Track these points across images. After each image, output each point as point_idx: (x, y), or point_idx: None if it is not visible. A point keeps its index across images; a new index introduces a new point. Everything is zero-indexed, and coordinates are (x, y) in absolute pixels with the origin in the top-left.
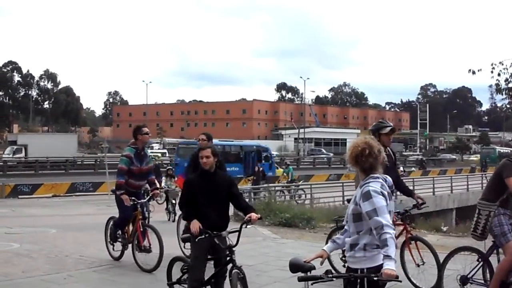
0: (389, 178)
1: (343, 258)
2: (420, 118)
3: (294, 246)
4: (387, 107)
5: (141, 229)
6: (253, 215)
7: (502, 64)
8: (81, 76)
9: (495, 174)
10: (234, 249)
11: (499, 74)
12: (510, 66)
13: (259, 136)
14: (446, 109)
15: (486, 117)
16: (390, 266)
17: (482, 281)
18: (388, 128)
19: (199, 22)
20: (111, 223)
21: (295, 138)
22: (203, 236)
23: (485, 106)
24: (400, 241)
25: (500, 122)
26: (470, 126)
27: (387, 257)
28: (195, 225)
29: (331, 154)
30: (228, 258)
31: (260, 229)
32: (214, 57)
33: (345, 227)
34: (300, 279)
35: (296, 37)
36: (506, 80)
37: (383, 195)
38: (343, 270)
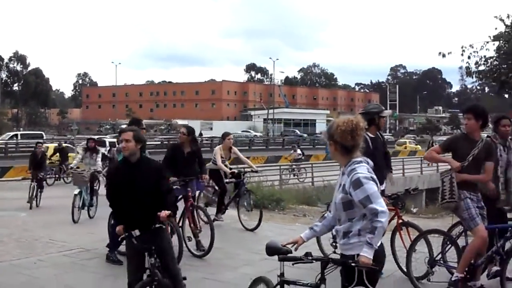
0: (370, 162)
1: (334, 244)
2: (389, 99)
3: (264, 228)
4: (357, 88)
5: None
6: (162, 214)
7: (472, 47)
8: (51, 58)
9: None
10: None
11: (469, 57)
12: (480, 49)
13: (228, 117)
14: (416, 90)
15: (456, 99)
16: (367, 254)
17: (450, 263)
18: (389, 112)
19: (168, 3)
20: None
21: (264, 119)
22: (123, 236)
23: (455, 88)
24: (391, 226)
25: (470, 103)
26: (440, 107)
27: (369, 244)
28: (119, 226)
29: (305, 135)
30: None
31: (228, 210)
32: (183, 38)
33: (325, 214)
34: (281, 259)
35: (265, 18)
36: (476, 63)
37: (373, 179)
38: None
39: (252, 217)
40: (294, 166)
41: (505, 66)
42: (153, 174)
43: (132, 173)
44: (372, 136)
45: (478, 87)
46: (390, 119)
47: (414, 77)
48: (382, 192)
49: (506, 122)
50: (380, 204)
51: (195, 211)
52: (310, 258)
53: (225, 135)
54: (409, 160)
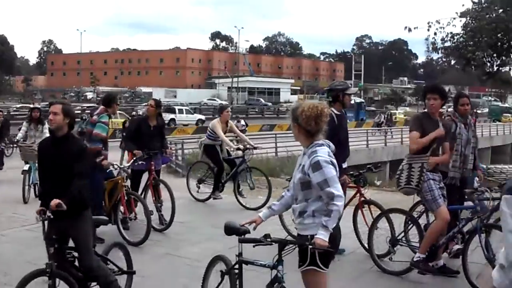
0: (332, 145)
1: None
2: (354, 69)
3: (226, 202)
4: (322, 57)
5: (126, 198)
6: (52, 203)
7: (439, 23)
8: (16, 25)
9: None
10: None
11: (435, 33)
12: (447, 25)
13: (193, 85)
14: (382, 61)
15: (421, 70)
16: (323, 237)
17: (413, 243)
18: (355, 89)
19: None
20: None
21: (229, 87)
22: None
23: (421, 59)
24: (353, 204)
25: (436, 75)
26: (405, 78)
27: (324, 227)
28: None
29: (270, 104)
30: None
31: (193, 183)
32: (149, 5)
33: (283, 193)
34: (241, 241)
35: None
36: (443, 39)
37: (332, 163)
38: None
39: (254, 195)
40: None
41: (472, 43)
42: (74, 154)
43: (54, 149)
44: (338, 113)
45: (444, 59)
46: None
47: (380, 47)
48: (345, 170)
49: (465, 100)
50: (337, 189)
51: (158, 185)
52: (269, 240)
53: (223, 107)
54: (373, 131)
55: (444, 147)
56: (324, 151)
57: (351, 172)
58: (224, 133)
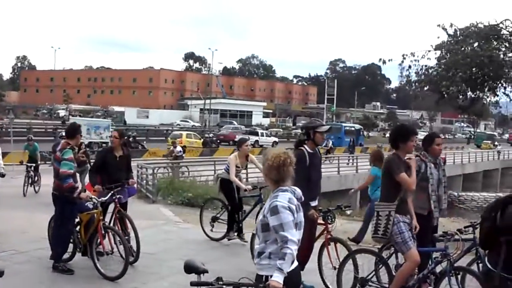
0: (298, 190)
1: None
2: (327, 93)
3: (196, 232)
4: (295, 81)
5: (103, 231)
6: None
7: (413, 55)
8: None
9: (384, 173)
10: None
11: (410, 67)
12: (421, 57)
13: (165, 106)
14: (355, 85)
15: (394, 95)
16: (278, 279)
17: (381, 284)
18: (326, 127)
19: None
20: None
21: (201, 109)
22: None
23: (394, 84)
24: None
25: (409, 100)
26: (378, 103)
27: (279, 269)
28: None
29: (243, 127)
30: None
31: (162, 210)
32: (123, 23)
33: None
34: (192, 284)
35: (205, 6)
36: (417, 72)
37: (290, 209)
38: None
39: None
40: (171, 164)
41: (446, 77)
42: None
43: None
44: (310, 151)
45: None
46: (327, 113)
47: (353, 71)
48: (315, 207)
49: (440, 140)
50: (292, 234)
51: (124, 218)
52: (221, 283)
53: (242, 141)
54: (344, 157)
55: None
56: (285, 197)
57: (320, 208)
58: (245, 168)
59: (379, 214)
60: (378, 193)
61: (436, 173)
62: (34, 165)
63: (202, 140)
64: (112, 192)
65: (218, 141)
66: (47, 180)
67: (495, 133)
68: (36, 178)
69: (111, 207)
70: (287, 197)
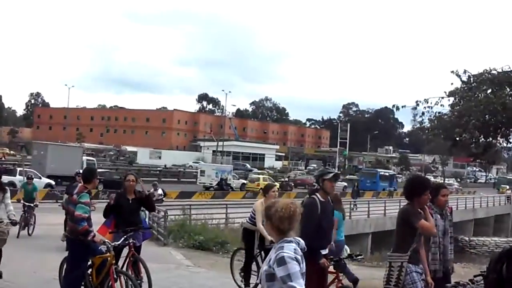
0: (302, 241)
1: None
2: (340, 137)
3: (207, 277)
4: (308, 124)
5: (114, 275)
6: None
7: (427, 102)
8: (4, 75)
9: (400, 223)
10: None
11: (423, 113)
12: (435, 104)
13: (178, 147)
14: (368, 129)
15: (407, 139)
16: None
17: None
18: (331, 174)
19: (123, 27)
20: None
21: (214, 151)
22: None
23: (407, 128)
24: None
25: (421, 144)
26: (391, 147)
27: None
28: None
29: (255, 169)
30: None
31: (173, 253)
32: (137, 64)
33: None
34: None
35: (219, 48)
36: (430, 119)
37: (296, 260)
38: None
39: None
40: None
41: (459, 124)
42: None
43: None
44: (322, 199)
45: (431, 138)
46: (340, 157)
47: (366, 115)
48: (326, 256)
49: (446, 191)
50: (300, 284)
51: (137, 262)
52: None
53: (269, 187)
54: (357, 202)
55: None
56: (291, 248)
57: (331, 257)
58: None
59: (392, 265)
60: (342, 235)
61: (442, 224)
62: (31, 205)
63: (279, 183)
64: (125, 236)
65: (293, 185)
66: (52, 220)
67: None
68: (30, 219)
69: (125, 250)
70: (292, 248)
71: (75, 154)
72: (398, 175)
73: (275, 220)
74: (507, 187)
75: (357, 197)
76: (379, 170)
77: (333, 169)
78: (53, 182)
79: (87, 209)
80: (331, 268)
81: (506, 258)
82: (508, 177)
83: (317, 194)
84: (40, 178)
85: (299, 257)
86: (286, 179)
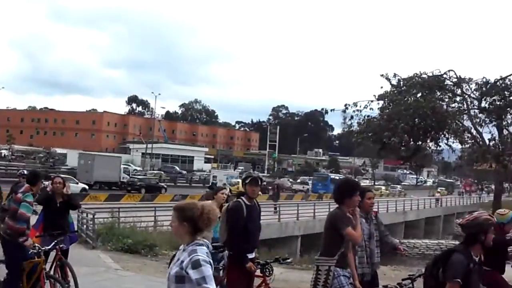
0: (210, 244)
1: None
2: (269, 140)
3: (135, 280)
4: (237, 126)
5: (45, 280)
6: None
7: (356, 105)
8: None
9: (328, 227)
10: None
11: (352, 117)
12: (364, 107)
13: (107, 149)
14: (297, 132)
15: (337, 142)
16: None
17: None
18: (249, 179)
19: (51, 29)
20: None
21: (143, 153)
22: None
23: (337, 131)
24: None
25: (351, 147)
26: (320, 150)
27: None
28: None
29: (185, 172)
30: None
31: (102, 256)
32: (66, 65)
33: None
34: None
35: (148, 50)
36: (359, 123)
37: (210, 263)
38: None
39: None
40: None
41: (388, 128)
42: None
43: None
44: (248, 203)
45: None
46: (269, 159)
47: (296, 118)
48: (253, 260)
49: (371, 195)
50: (213, 285)
51: (64, 266)
52: None
53: (218, 189)
54: (285, 204)
55: (349, 246)
56: (203, 251)
57: (258, 261)
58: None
59: (319, 269)
60: (217, 234)
61: (367, 228)
62: None
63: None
64: (56, 240)
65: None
66: None
67: (452, 180)
68: None
69: (52, 254)
70: (205, 251)
71: (115, 162)
72: (362, 179)
73: (201, 223)
74: (443, 189)
75: (277, 199)
76: (330, 174)
77: (255, 172)
78: (87, 187)
79: (31, 209)
80: (258, 272)
81: (441, 263)
82: (448, 180)
83: (243, 198)
84: (77, 183)
85: (211, 260)
86: (265, 183)
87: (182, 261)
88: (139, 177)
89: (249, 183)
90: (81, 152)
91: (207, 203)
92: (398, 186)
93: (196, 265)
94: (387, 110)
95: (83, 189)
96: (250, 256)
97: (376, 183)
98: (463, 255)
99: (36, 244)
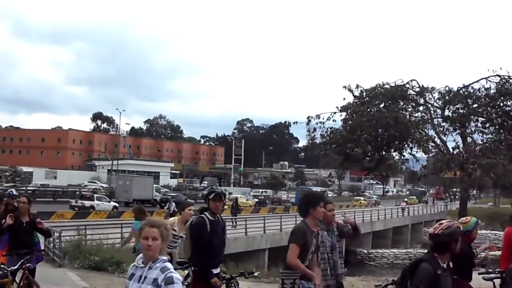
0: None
1: None
2: (235, 153)
3: None
4: (202, 141)
5: None
6: None
7: (319, 117)
8: None
9: (289, 241)
10: None
11: (314, 129)
12: (327, 119)
13: (73, 166)
14: (263, 145)
15: (302, 154)
16: None
17: None
18: (213, 194)
19: (14, 46)
20: None
21: (108, 170)
22: None
23: (302, 143)
24: None
25: (317, 159)
26: (286, 163)
27: None
28: None
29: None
30: None
31: (69, 274)
32: (30, 83)
33: None
34: None
35: (112, 67)
36: (322, 135)
37: (181, 281)
38: None
39: None
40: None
41: (351, 139)
42: None
43: None
44: (211, 218)
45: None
46: (235, 173)
47: (261, 131)
48: (218, 275)
49: (331, 206)
50: None
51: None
52: None
53: (185, 204)
54: (252, 217)
55: (313, 260)
56: (172, 267)
57: (223, 276)
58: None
59: (284, 282)
60: None
61: (329, 240)
62: None
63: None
64: (22, 260)
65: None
66: None
67: (424, 189)
68: None
69: (19, 273)
70: (172, 267)
71: (149, 183)
72: (328, 190)
73: (165, 238)
74: (413, 198)
75: (236, 214)
76: (312, 187)
77: (219, 188)
78: (117, 204)
79: None
80: (224, 287)
81: (409, 274)
82: (420, 189)
83: (206, 213)
84: (109, 201)
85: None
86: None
87: (156, 279)
88: (172, 194)
89: (212, 199)
90: (119, 175)
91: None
92: (374, 196)
93: (170, 281)
94: (350, 122)
95: (114, 207)
96: (215, 271)
97: (341, 194)
98: (429, 263)
99: (2, 265)
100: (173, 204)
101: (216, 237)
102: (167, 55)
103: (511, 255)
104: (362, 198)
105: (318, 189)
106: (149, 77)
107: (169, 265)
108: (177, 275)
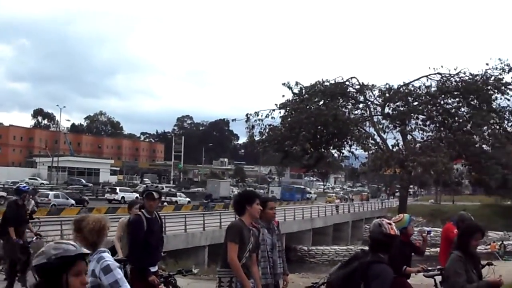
0: (109, 251)
1: None
2: (175, 150)
3: None
4: (142, 137)
5: None
6: None
7: (257, 115)
8: None
9: (225, 239)
10: None
11: (253, 127)
12: (265, 117)
13: (14, 163)
14: (202, 141)
15: (242, 150)
16: None
17: None
18: (146, 192)
19: None
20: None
21: (49, 166)
22: None
23: (242, 140)
24: None
25: (257, 155)
26: (226, 159)
27: None
28: None
29: (91, 185)
30: None
31: None
32: None
33: None
34: None
35: (53, 63)
36: (261, 132)
37: (119, 267)
38: None
39: None
40: None
41: (290, 136)
42: None
43: None
44: (148, 216)
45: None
46: (174, 170)
47: (201, 128)
48: (155, 273)
49: (273, 204)
50: (126, 287)
51: None
52: None
53: (132, 203)
54: (191, 215)
55: (252, 259)
56: (109, 256)
57: (161, 273)
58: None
59: (221, 280)
60: None
61: (270, 238)
62: None
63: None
64: None
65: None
66: None
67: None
68: None
69: None
70: (109, 256)
71: (228, 184)
72: (307, 188)
73: (86, 233)
74: (366, 192)
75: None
76: (295, 185)
77: (154, 185)
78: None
79: None
80: (162, 286)
81: (359, 277)
82: (374, 185)
83: (143, 211)
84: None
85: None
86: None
87: (93, 270)
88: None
89: (146, 197)
90: (210, 179)
91: (95, 216)
92: (341, 192)
93: (107, 270)
94: (289, 119)
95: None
96: (153, 269)
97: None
98: (384, 264)
99: None
100: None
101: (153, 234)
102: (107, 52)
103: (449, 251)
104: (334, 195)
105: (300, 187)
106: (90, 74)
107: (104, 254)
108: (113, 262)
